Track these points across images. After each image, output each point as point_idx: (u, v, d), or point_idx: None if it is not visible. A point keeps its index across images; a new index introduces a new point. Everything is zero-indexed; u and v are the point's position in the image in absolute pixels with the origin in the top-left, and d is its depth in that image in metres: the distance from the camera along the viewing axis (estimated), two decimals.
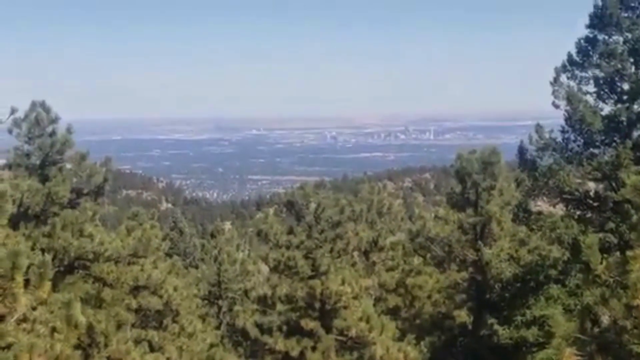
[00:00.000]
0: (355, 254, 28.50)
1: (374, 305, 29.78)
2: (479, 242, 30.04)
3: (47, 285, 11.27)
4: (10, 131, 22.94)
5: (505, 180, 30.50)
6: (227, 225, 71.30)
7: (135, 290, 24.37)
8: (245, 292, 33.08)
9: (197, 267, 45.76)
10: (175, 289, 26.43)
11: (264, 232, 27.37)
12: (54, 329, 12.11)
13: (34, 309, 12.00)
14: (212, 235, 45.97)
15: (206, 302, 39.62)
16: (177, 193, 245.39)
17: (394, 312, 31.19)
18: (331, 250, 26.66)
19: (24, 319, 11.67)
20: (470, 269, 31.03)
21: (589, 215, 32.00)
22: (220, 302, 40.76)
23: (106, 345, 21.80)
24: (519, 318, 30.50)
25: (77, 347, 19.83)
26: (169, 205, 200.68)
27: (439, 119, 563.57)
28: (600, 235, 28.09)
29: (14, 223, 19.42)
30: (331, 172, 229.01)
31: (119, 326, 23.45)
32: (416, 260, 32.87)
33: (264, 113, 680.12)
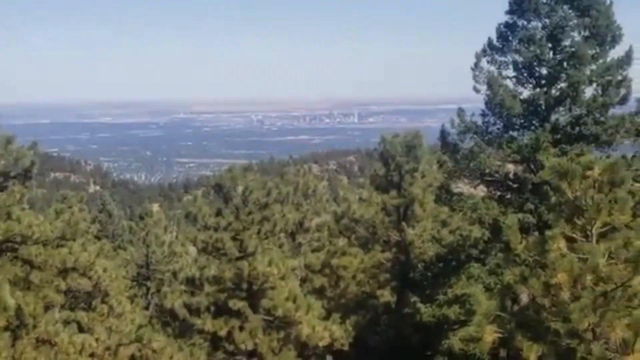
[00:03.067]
0: (282, 235, 28.92)
1: (300, 285, 30.34)
2: (403, 223, 30.83)
3: None
4: None
5: (427, 162, 31.33)
6: (155, 208, 70.81)
7: (64, 272, 24.41)
8: (174, 274, 33.27)
9: (125, 249, 45.74)
10: (104, 271, 26.48)
11: (193, 214, 27.64)
12: None
13: None
14: (141, 218, 45.90)
15: (135, 283, 39.70)
16: (105, 176, 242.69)
17: (319, 292, 31.80)
18: (258, 232, 27.05)
19: None
20: (394, 249, 31.82)
21: (508, 196, 33.04)
22: (148, 283, 40.90)
23: (35, 327, 21.95)
24: (441, 297, 31.43)
25: (5, 328, 20.09)
26: (97, 188, 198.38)
27: (363, 103, 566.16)
28: (520, 215, 29.22)
29: None
30: (257, 155, 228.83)
31: (47, 308, 23.51)
32: (341, 242, 33.45)
33: (192, 96, 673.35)
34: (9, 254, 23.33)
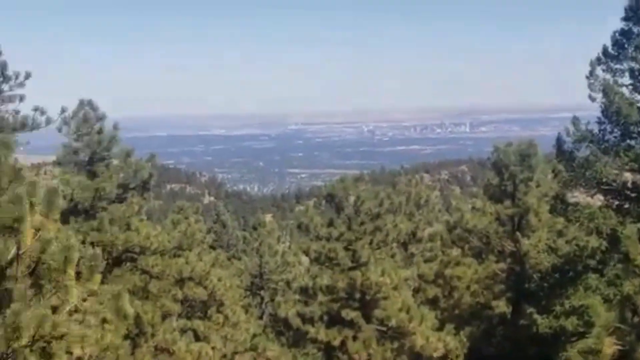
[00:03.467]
0: (395, 245, 28.85)
1: (413, 295, 30.12)
2: (517, 233, 30.24)
3: (97, 277, 11.73)
4: (59, 129, 23.65)
5: (542, 171, 30.66)
6: (268, 218, 71.75)
7: (181, 281, 24.95)
8: (287, 283, 33.58)
9: (239, 259, 46.39)
10: (219, 280, 26.97)
11: (305, 224, 27.85)
12: (104, 320, 12.49)
13: (84, 300, 12.45)
14: (254, 228, 46.57)
15: (249, 292, 40.23)
16: (220, 187, 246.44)
17: (433, 303, 31.48)
18: (371, 242, 27.05)
19: (76, 310, 12.05)
20: (509, 260, 31.24)
21: (627, 205, 31.98)
22: (262, 292, 41.41)
23: (153, 335, 22.50)
24: (557, 308, 30.64)
25: (126, 337, 20.52)
26: (212, 198, 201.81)
27: (474, 112, 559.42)
28: (639, 225, 28.23)
29: (64, 218, 20.11)
30: (369, 165, 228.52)
31: (165, 317, 24.09)
32: (454, 252, 33.07)
33: (303, 108, 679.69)
34: (128, 263, 23.99)
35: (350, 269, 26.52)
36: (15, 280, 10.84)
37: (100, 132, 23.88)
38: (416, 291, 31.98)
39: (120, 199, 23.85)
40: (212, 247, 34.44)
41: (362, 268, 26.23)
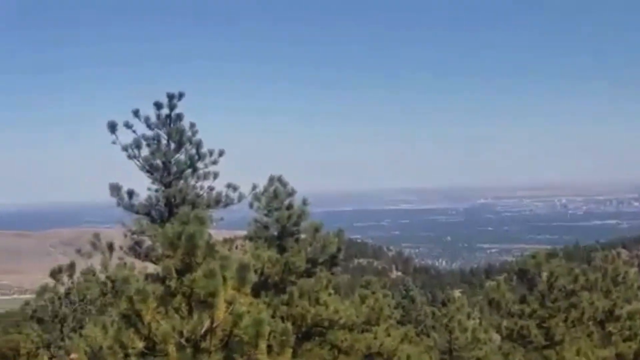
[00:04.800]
0: (591, 323, 27.59)
1: None
2: None
3: (289, 352, 11.78)
4: (251, 205, 24.35)
5: None
6: (457, 293, 70.67)
7: (369, 357, 24.80)
8: None
9: (428, 335, 45.75)
10: (408, 357, 26.62)
11: (496, 300, 27.21)
12: None
13: None
14: (443, 304, 45.87)
15: None
16: (407, 261, 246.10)
17: None
18: (565, 320, 26.07)
19: None
20: None
21: None
22: None
23: None
24: None
25: None
26: (399, 273, 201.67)
27: None
28: None
29: (255, 291, 20.54)
30: (562, 240, 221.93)
31: None
32: None
33: (491, 182, 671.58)
34: (317, 338, 24.08)
35: (544, 347, 25.60)
36: (209, 353, 11.06)
37: (289, 207, 24.37)
38: None
39: (309, 273, 24.11)
40: (401, 323, 34.19)
41: (556, 347, 25.26)
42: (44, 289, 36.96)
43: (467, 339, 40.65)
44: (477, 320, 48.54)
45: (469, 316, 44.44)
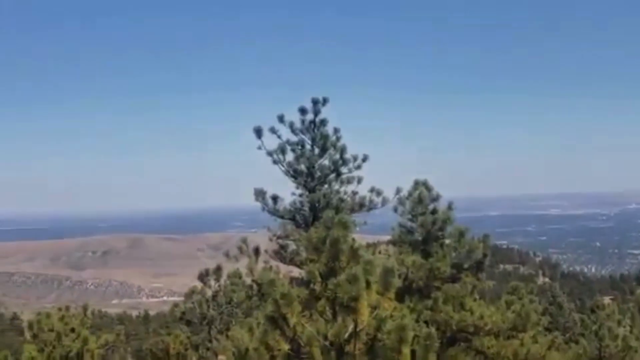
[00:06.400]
0: None
1: None
2: None
3: (433, 357, 11.68)
4: (395, 209, 24.29)
5: None
6: (607, 300, 68.42)
7: None
8: None
9: (577, 343, 44.47)
10: None
11: None
12: None
13: None
14: (592, 310, 44.53)
15: None
16: (554, 267, 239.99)
17: None
18: None
19: None
20: None
21: None
22: None
23: None
24: None
25: None
26: (546, 279, 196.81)
27: None
28: None
29: (399, 296, 20.47)
30: None
31: None
32: None
33: None
34: (462, 344, 23.79)
35: None
36: (353, 357, 11.09)
37: (434, 212, 24.16)
38: None
39: (454, 279, 23.84)
40: (548, 330, 33.35)
41: None
42: (192, 292, 38.13)
43: (617, 346, 39.29)
44: (628, 328, 46.86)
45: (619, 323, 42.95)
